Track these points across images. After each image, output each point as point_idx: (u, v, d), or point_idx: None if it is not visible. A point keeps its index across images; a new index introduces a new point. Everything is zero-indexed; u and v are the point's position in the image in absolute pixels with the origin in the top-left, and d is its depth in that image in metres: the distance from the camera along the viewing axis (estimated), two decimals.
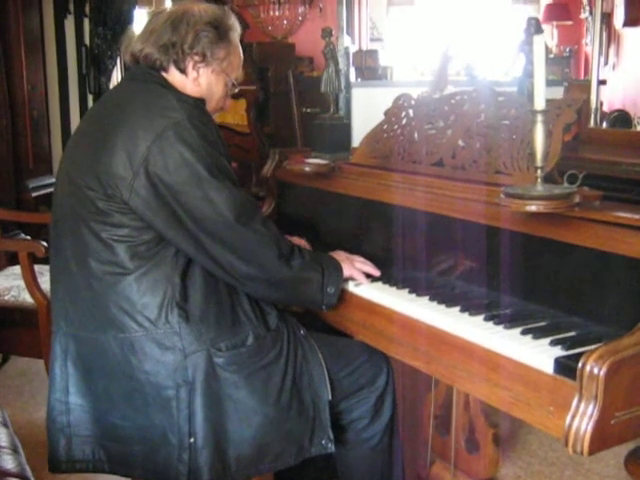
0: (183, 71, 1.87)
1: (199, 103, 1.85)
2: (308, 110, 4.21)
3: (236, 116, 4.22)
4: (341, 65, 4.67)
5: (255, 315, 1.85)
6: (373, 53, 5.08)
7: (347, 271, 1.98)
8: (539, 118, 1.65)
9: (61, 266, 1.84)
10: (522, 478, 2.70)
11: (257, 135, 4.07)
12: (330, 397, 1.89)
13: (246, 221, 1.76)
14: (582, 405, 1.34)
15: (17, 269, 3.26)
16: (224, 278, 1.80)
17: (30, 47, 4.81)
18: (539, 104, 1.65)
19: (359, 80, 4.94)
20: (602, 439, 1.35)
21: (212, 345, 1.76)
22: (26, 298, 3.15)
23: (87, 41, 5.48)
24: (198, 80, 1.88)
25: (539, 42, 1.66)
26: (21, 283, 3.13)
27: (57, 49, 5.38)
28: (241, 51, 1.97)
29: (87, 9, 5.50)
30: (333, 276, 1.92)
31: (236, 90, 2.01)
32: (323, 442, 1.88)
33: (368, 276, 2.02)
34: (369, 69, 5.04)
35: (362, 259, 2.06)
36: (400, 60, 5.69)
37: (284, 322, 1.92)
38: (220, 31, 1.86)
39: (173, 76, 1.87)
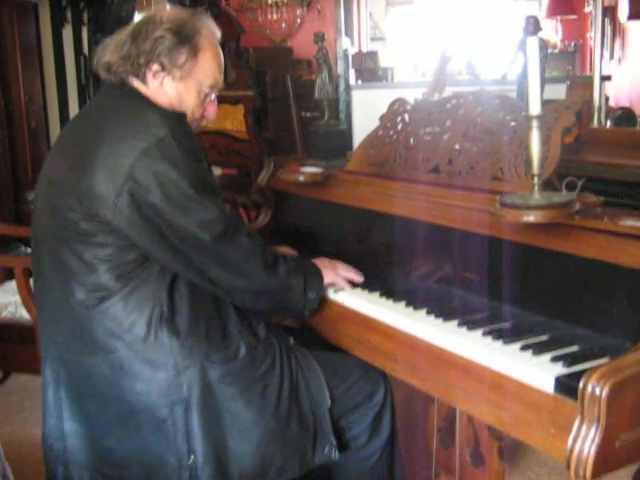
0: (144, 82, 1.79)
1: (181, 116, 1.79)
2: (308, 114, 4.14)
3: (234, 122, 4.16)
4: (340, 68, 4.61)
5: (244, 326, 1.81)
6: (373, 54, 5.01)
7: (328, 277, 1.97)
8: (535, 123, 1.58)
9: (44, 289, 1.79)
10: None
11: (256, 141, 4.01)
12: (329, 404, 1.85)
13: (232, 235, 1.73)
14: (584, 427, 1.28)
15: (15, 284, 3.21)
16: (212, 291, 1.77)
17: (26, 57, 4.78)
18: (534, 109, 1.58)
19: (359, 82, 4.87)
20: (606, 462, 1.29)
21: (205, 359, 1.72)
22: (23, 314, 3.10)
23: (86, 50, 5.45)
24: (163, 89, 1.79)
25: (533, 44, 1.59)
26: (18, 299, 3.08)
27: (55, 59, 5.36)
28: (217, 56, 1.86)
29: (85, 18, 5.47)
30: (314, 281, 1.91)
31: (212, 97, 1.88)
32: (326, 450, 1.84)
33: (353, 283, 2.01)
34: (369, 71, 4.97)
35: (345, 266, 2.05)
36: (401, 60, 5.62)
37: (272, 332, 1.88)
38: (181, 36, 1.77)
39: (143, 88, 1.80)
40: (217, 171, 5.11)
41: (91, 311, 1.70)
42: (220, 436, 1.73)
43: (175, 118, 1.75)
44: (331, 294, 1.99)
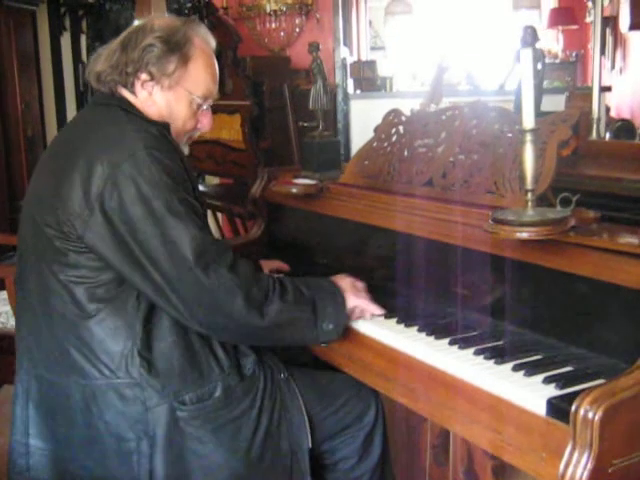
0: (133, 92, 1.75)
1: (163, 130, 1.71)
2: (305, 124, 4.10)
3: (231, 132, 4.12)
4: (338, 77, 4.58)
5: (229, 361, 1.72)
6: (371, 64, 4.99)
7: (352, 301, 1.80)
8: (528, 137, 1.54)
9: (25, 303, 1.75)
10: None
11: (252, 151, 3.98)
12: (310, 445, 1.78)
13: (207, 265, 1.59)
14: (576, 452, 1.23)
15: (6, 294, 3.17)
16: (192, 326, 1.66)
17: (23, 64, 4.76)
18: (528, 122, 1.54)
19: (357, 92, 4.84)
20: None
21: (175, 398, 1.65)
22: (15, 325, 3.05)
23: (84, 58, 5.42)
24: (152, 99, 1.74)
25: (527, 56, 1.55)
26: (10, 309, 3.04)
27: (53, 66, 5.33)
28: (210, 65, 1.80)
29: (84, 25, 5.45)
30: (329, 309, 1.74)
31: (204, 107, 1.82)
32: None
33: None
34: (367, 80, 4.94)
35: (363, 286, 1.88)
36: (400, 70, 5.59)
37: (262, 367, 1.79)
38: (171, 44, 1.72)
39: (132, 98, 1.76)
40: (214, 180, 5.08)
41: (68, 333, 1.65)
42: (184, 478, 1.66)
43: (155, 132, 1.67)
44: None
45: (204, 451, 1.66)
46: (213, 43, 1.84)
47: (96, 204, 1.58)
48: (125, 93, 1.76)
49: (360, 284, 1.87)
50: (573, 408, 1.23)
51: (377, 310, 1.83)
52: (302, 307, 1.71)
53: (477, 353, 1.58)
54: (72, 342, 1.65)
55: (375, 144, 2.28)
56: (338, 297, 1.77)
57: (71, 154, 1.66)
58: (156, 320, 1.66)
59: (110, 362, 1.63)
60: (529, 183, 1.55)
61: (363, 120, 4.41)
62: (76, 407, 1.66)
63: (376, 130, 2.31)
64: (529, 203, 1.55)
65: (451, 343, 1.64)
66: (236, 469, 1.68)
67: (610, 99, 3.83)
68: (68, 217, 1.60)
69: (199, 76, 1.78)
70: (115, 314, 1.63)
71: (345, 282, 1.83)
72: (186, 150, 1.87)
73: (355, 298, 1.81)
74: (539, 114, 1.69)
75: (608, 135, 2.98)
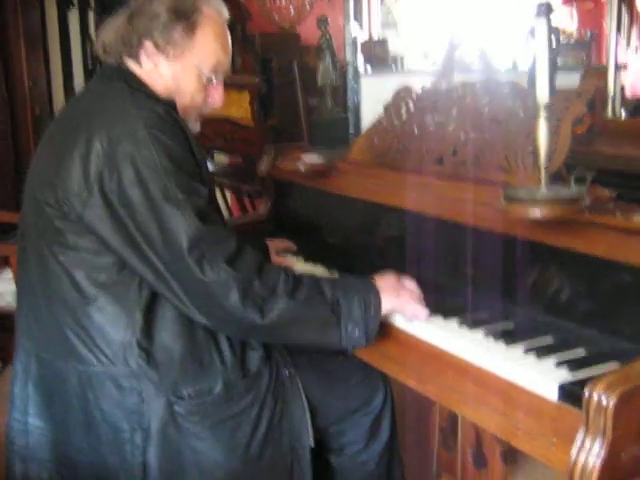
0: (139, 63, 1.69)
1: (168, 108, 1.63)
2: (315, 101, 4.05)
3: (240, 109, 4.07)
4: (349, 55, 4.50)
5: (233, 356, 1.66)
6: (382, 42, 4.91)
7: (390, 304, 1.63)
8: (543, 113, 1.49)
9: (26, 283, 1.71)
10: None
11: (261, 129, 3.93)
12: (312, 444, 1.74)
13: (201, 255, 1.50)
14: (588, 439, 1.19)
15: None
16: (192, 316, 1.57)
17: (30, 41, 4.70)
18: (542, 97, 1.49)
19: (368, 70, 4.77)
20: (612, 477, 1.20)
21: (173, 392, 1.60)
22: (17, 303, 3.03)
23: (92, 34, 5.36)
24: (158, 71, 1.68)
25: (542, 26, 1.49)
26: (15, 288, 3.01)
27: (61, 43, 5.26)
28: (220, 36, 1.73)
29: (92, 0, 5.38)
30: (356, 312, 1.57)
31: (214, 81, 1.74)
32: None
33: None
34: (378, 58, 4.86)
35: (412, 288, 1.69)
36: (411, 48, 5.51)
37: (268, 363, 1.73)
38: (178, 13, 1.65)
39: (138, 69, 1.70)
40: (223, 159, 5.04)
41: (67, 317, 1.61)
42: (178, 473, 1.62)
43: (160, 110, 1.59)
44: None
45: (201, 448, 1.62)
46: (225, 13, 1.76)
47: (95, 185, 1.53)
48: (131, 64, 1.70)
49: (408, 283, 1.70)
50: (586, 393, 1.19)
51: (422, 315, 1.65)
52: (318, 307, 1.57)
53: (487, 334, 1.54)
54: (71, 327, 1.61)
55: (385, 122, 2.22)
56: (370, 299, 1.60)
57: (72, 131, 1.61)
58: (159, 309, 1.60)
59: (108, 350, 1.59)
60: (543, 160, 1.49)
61: (374, 98, 4.34)
62: (73, 392, 1.63)
63: (386, 108, 2.25)
64: (542, 181, 1.50)
65: (460, 324, 1.60)
66: (234, 467, 1.64)
67: (625, 78, 3.76)
68: (67, 196, 1.55)
69: (207, 46, 1.70)
70: (116, 301, 1.58)
71: (385, 281, 1.67)
72: (197, 127, 1.80)
73: (395, 300, 1.64)
74: (553, 91, 1.64)
75: (624, 114, 2.91)
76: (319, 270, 2.07)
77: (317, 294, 1.57)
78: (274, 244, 2.21)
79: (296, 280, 1.58)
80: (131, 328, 1.58)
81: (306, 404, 1.75)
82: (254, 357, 1.70)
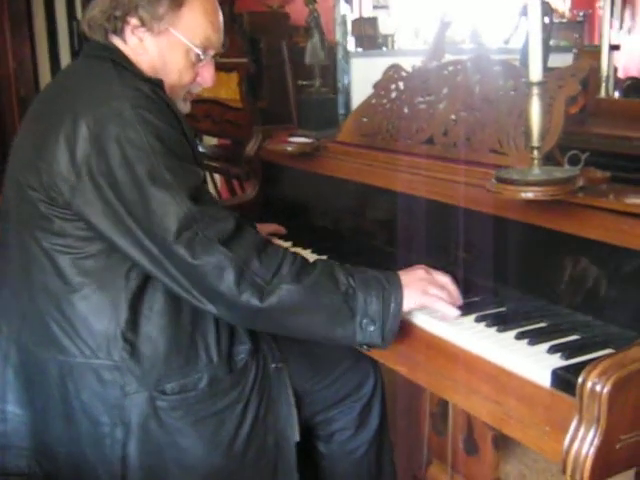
0: (125, 40, 1.62)
1: (155, 88, 1.56)
2: (304, 83, 3.99)
3: (229, 91, 3.99)
4: (339, 34, 4.44)
5: (219, 351, 1.61)
6: (372, 21, 4.85)
7: (414, 300, 1.51)
8: (535, 91, 1.43)
9: (6, 267, 1.65)
10: (527, 476, 2.53)
11: (249, 110, 3.86)
12: (298, 439, 1.70)
13: (192, 238, 1.42)
14: (582, 427, 1.15)
15: None
16: (187, 299, 1.50)
17: (15, 21, 4.63)
18: (535, 75, 1.44)
19: (358, 50, 4.71)
20: (606, 466, 1.16)
21: (155, 387, 1.55)
22: None
23: (79, 15, 5.27)
24: (143, 47, 1.61)
25: (534, 1, 1.44)
26: None
27: (47, 24, 5.17)
28: (210, 11, 1.64)
29: None
30: (374, 307, 1.45)
31: (204, 59, 1.66)
32: None
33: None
34: (369, 38, 4.81)
35: (441, 280, 1.57)
36: (402, 27, 5.45)
37: (255, 357, 1.68)
38: None
39: (123, 46, 1.62)
40: (212, 141, 4.97)
41: (49, 306, 1.55)
42: (159, 470, 1.58)
43: (147, 90, 1.52)
44: None
45: (183, 444, 1.57)
46: None
47: (83, 168, 1.46)
48: (116, 41, 1.63)
49: (441, 278, 1.57)
50: (580, 380, 1.15)
51: (451, 312, 1.52)
52: (329, 295, 1.46)
53: (478, 320, 1.50)
54: (53, 316, 1.55)
55: (374, 101, 2.18)
56: (392, 293, 1.47)
57: (57, 112, 1.54)
58: (146, 301, 1.55)
59: (91, 341, 1.53)
60: (535, 140, 1.45)
61: (364, 79, 4.29)
62: (53, 381, 1.58)
63: (375, 86, 2.21)
64: (535, 161, 1.45)
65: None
66: (217, 464, 1.60)
67: (618, 60, 3.72)
68: (54, 180, 1.48)
69: (195, 21, 1.62)
70: (101, 291, 1.53)
71: (412, 276, 1.54)
72: (187, 108, 1.74)
73: (421, 296, 1.51)
74: (546, 70, 1.59)
75: (617, 94, 2.87)
76: (307, 254, 2.03)
77: (329, 282, 1.47)
78: (262, 227, 2.16)
79: (305, 263, 1.50)
80: (116, 319, 1.53)
81: (292, 399, 1.70)
82: (241, 351, 1.65)
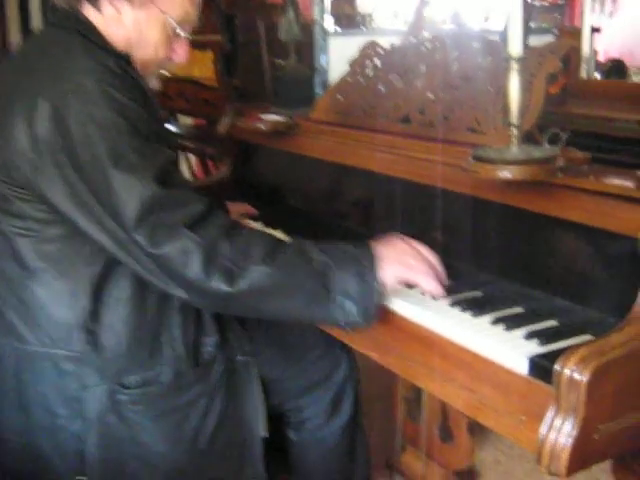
0: (99, 9, 1.50)
1: (121, 62, 1.48)
2: (281, 61, 3.92)
3: (203, 69, 3.90)
4: (316, 12, 4.36)
5: (185, 344, 1.55)
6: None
7: (393, 274, 1.44)
8: (514, 66, 1.38)
9: None
10: (502, 463, 2.49)
11: (225, 89, 3.78)
12: (264, 434, 1.65)
13: (155, 223, 1.34)
14: (559, 417, 1.10)
15: None
16: (157, 285, 1.41)
17: None
18: (515, 49, 1.38)
19: (337, 29, 4.64)
20: (583, 457, 1.12)
21: (116, 380, 1.49)
22: None
23: None
24: (120, 19, 1.50)
25: None
26: None
27: (19, 3, 5.03)
28: None
29: None
30: (351, 284, 1.38)
31: (180, 34, 1.57)
32: None
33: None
34: (347, 17, 4.73)
35: (421, 252, 1.49)
36: (381, 6, 5.36)
37: (222, 350, 1.62)
38: None
39: (95, 15, 1.51)
40: (187, 121, 4.88)
41: (7, 292, 1.48)
42: (119, 464, 1.52)
43: (112, 65, 1.44)
44: None
45: (144, 438, 1.52)
46: None
47: (44, 147, 1.36)
48: (88, 9, 1.51)
49: (421, 250, 1.50)
50: (557, 367, 1.10)
51: (435, 289, 1.46)
52: (303, 276, 1.39)
53: (453, 304, 1.45)
54: (10, 302, 1.49)
55: (350, 78, 2.11)
56: (367, 268, 1.40)
57: (14, 88, 1.45)
58: (109, 289, 1.47)
59: (51, 330, 1.47)
60: (514, 117, 1.39)
61: (342, 58, 4.22)
62: (8, 369, 1.51)
63: (352, 64, 2.14)
64: (514, 140, 1.40)
65: (424, 293, 1.50)
66: (179, 460, 1.55)
67: (598, 43, 3.69)
68: (13, 159, 1.40)
69: None
70: (62, 277, 1.45)
71: (390, 248, 1.47)
72: (156, 84, 1.65)
73: (401, 269, 1.44)
74: (526, 47, 1.53)
75: (598, 76, 2.83)
76: (279, 235, 1.96)
77: (302, 262, 1.40)
78: (234, 207, 2.10)
79: (276, 244, 1.43)
80: (77, 308, 1.46)
81: (260, 393, 1.65)
82: (208, 344, 1.59)
